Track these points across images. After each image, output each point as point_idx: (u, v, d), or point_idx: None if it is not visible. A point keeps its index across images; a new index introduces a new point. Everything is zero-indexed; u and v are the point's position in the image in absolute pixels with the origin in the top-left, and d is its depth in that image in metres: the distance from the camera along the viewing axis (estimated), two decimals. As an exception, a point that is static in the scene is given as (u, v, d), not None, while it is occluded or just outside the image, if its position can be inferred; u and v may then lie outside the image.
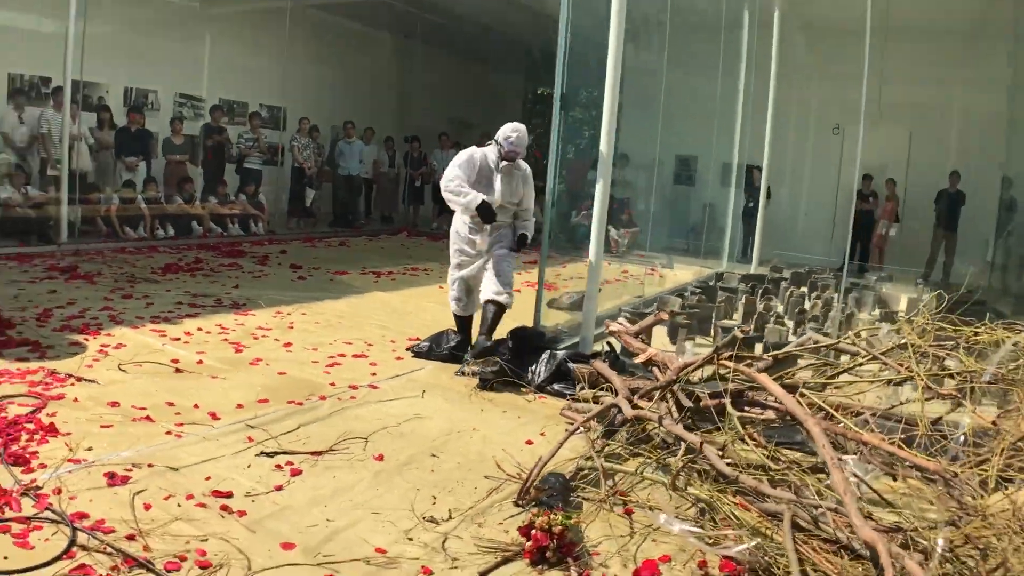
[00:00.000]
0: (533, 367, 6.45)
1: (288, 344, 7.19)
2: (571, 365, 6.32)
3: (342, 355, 6.96)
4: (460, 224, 7.13)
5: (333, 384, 6.13)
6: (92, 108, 13.09)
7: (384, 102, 18.65)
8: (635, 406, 4.89)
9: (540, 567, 3.59)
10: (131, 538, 3.52)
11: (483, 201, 6.81)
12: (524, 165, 7.14)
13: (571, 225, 14.86)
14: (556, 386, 6.30)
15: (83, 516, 3.66)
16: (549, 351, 6.57)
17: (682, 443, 4.38)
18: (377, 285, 10.57)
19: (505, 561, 3.61)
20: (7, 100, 11.98)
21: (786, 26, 13.92)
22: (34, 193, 11.56)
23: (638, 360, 5.71)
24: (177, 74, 14.96)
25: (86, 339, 6.73)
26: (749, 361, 4.74)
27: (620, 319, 6.80)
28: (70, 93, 11.39)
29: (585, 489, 4.37)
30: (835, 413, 4.08)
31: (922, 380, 4.04)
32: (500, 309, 6.92)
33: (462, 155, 7.01)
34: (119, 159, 13.00)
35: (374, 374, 6.48)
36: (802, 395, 4.26)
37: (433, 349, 7.19)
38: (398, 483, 4.40)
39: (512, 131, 6.92)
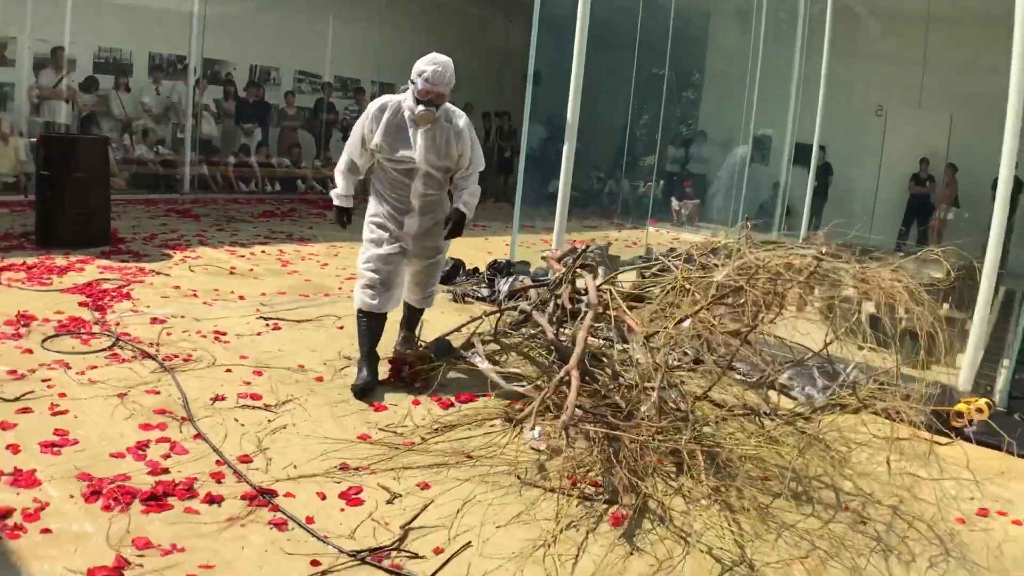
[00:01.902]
0: (499, 286, 8.74)
1: (325, 264, 9.86)
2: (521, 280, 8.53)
3: (359, 275, 9.57)
4: (382, 194, 5.89)
5: (340, 288, 8.73)
6: (220, 82, 16.08)
7: (484, 80, 21.16)
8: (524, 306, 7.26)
9: (395, 381, 6.02)
10: (150, 345, 6.20)
11: (339, 206, 6.08)
12: (458, 115, 5.79)
13: (637, 195, 17.21)
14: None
15: (126, 335, 6.36)
16: (514, 275, 8.93)
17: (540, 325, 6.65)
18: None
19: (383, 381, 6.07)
20: (148, 75, 15.02)
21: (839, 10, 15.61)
22: (164, 151, 14.59)
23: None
24: (298, 52, 17.86)
25: (174, 252, 9.55)
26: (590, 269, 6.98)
27: (552, 249, 8.95)
28: (196, 69, 14.45)
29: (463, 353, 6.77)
30: (621, 302, 6.30)
31: (680, 277, 6.04)
32: (420, 311, 6.47)
33: (370, 108, 5.73)
34: (239, 126, 15.96)
35: (374, 287, 9.05)
36: (606, 290, 6.50)
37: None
38: (342, 341, 6.90)
39: (428, 64, 5.47)
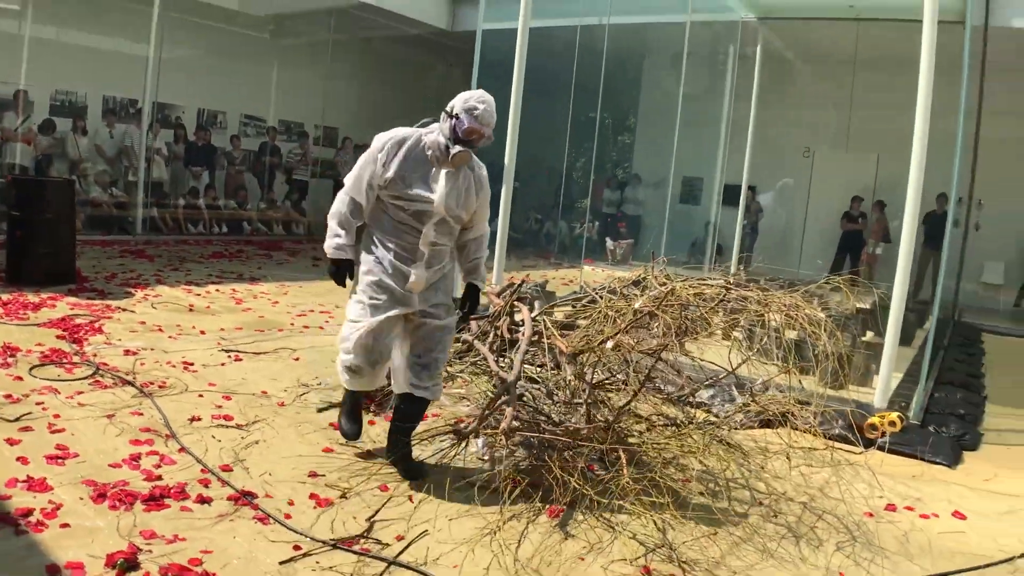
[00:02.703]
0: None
1: (276, 302, 10.53)
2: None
3: (311, 311, 10.25)
4: (383, 243, 5.13)
5: (292, 324, 9.42)
6: (170, 125, 16.74)
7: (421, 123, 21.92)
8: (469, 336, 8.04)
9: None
10: (128, 374, 6.86)
11: (337, 258, 5.25)
12: (479, 164, 5.29)
13: (574, 236, 18.07)
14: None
15: (104, 364, 7.02)
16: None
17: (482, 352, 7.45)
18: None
19: (334, 405, 6.72)
20: (101, 118, 15.64)
21: (767, 58, 16.64)
22: (117, 193, 15.20)
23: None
24: (244, 96, 18.59)
25: (135, 290, 10.18)
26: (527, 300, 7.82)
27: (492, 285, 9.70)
28: (150, 113, 15.13)
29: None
30: (553, 330, 7.09)
31: (604, 306, 6.85)
32: (425, 404, 5.41)
33: (381, 141, 5.08)
34: (187, 169, 16.61)
35: (327, 322, 9.74)
36: (540, 320, 7.29)
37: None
38: (299, 371, 7.61)
39: (478, 100, 4.98)
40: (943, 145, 10.80)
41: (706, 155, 17.56)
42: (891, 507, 5.85)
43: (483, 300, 8.16)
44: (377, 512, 4.76)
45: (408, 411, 5.31)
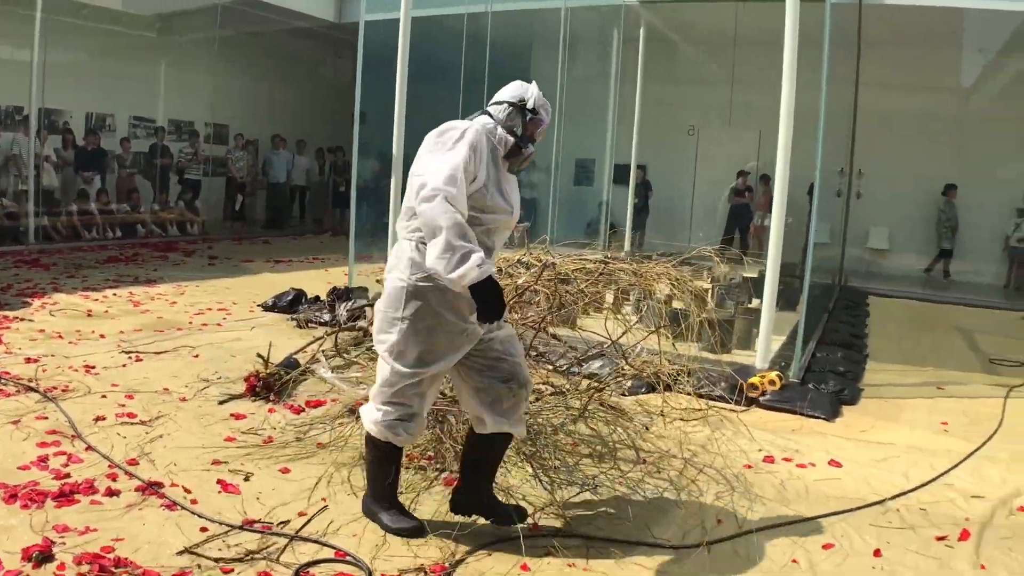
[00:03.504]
0: (340, 310, 9.78)
1: (174, 303, 10.74)
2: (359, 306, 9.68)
3: (209, 309, 10.47)
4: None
5: (190, 323, 9.65)
6: (58, 131, 16.73)
7: (317, 117, 22.17)
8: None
9: (254, 397, 7.01)
10: (30, 381, 7.06)
11: (490, 279, 3.85)
12: None
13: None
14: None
15: (6, 373, 7.21)
16: (352, 299, 9.99)
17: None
18: (273, 269, 14.21)
19: (234, 396, 7.04)
20: (-13, 127, 15.65)
21: (650, 40, 17.16)
22: (8, 203, 15.20)
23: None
24: (132, 98, 18.63)
25: (32, 300, 10.31)
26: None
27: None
28: (37, 119, 15.14)
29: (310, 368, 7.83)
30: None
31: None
32: (508, 441, 4.67)
33: (467, 132, 4.08)
34: (78, 174, 16.64)
35: (225, 319, 9.98)
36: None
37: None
38: (199, 367, 7.85)
39: (539, 92, 4.42)
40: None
41: (596, 137, 17.99)
42: (769, 459, 6.32)
43: (378, 288, 8.49)
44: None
45: (493, 454, 4.67)
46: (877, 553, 4.75)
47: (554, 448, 5.63)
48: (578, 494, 5.29)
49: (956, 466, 6.41)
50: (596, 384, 6.41)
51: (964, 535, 5.05)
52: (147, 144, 18.58)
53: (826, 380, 8.28)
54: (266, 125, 21.02)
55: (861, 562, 4.64)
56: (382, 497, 4.56)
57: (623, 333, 6.85)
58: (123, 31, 18.01)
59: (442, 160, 3.90)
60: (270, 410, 6.61)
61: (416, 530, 4.49)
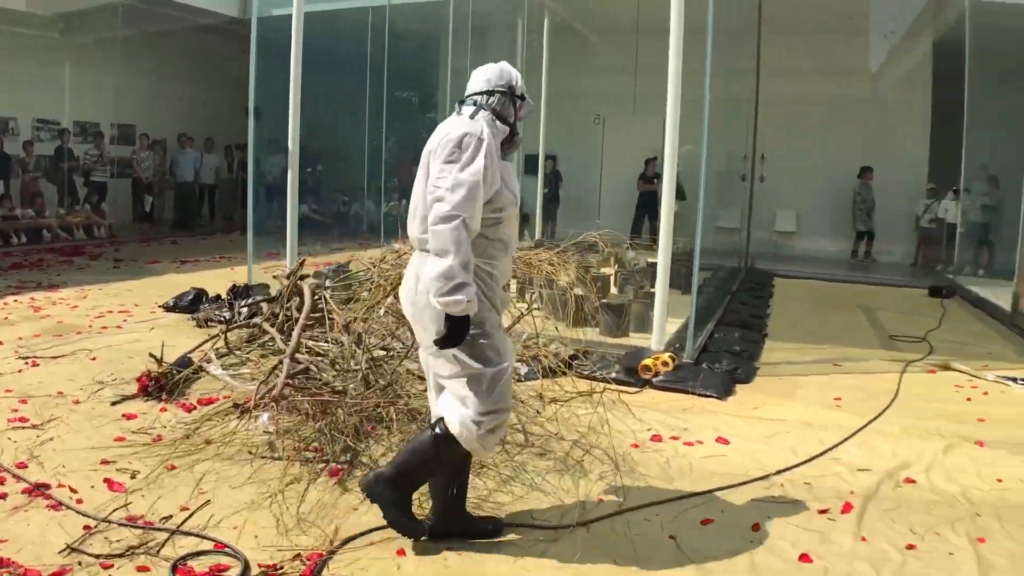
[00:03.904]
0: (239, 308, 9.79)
1: (75, 307, 10.66)
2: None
3: (111, 311, 10.42)
4: (491, 274, 4.24)
5: (90, 326, 9.60)
6: (-44, 136, 16.54)
7: (225, 113, 22.02)
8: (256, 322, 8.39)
9: (146, 397, 7.01)
10: (-81, 387, 7.02)
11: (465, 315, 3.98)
12: None
13: (383, 215, 18.44)
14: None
15: None
16: (252, 296, 9.98)
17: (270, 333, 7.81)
18: (178, 270, 14.14)
19: (127, 397, 7.02)
20: None
21: (554, 30, 17.28)
22: (-97, 211, 15.00)
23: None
24: (36, 100, 18.40)
25: (-72, 309, 10.22)
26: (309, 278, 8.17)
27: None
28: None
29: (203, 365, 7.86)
30: (332, 304, 7.52)
31: (379, 277, 7.42)
32: None
33: (482, 140, 4.04)
34: (-22, 180, 16.48)
35: (125, 320, 9.94)
36: (322, 297, 7.70)
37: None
38: (95, 369, 7.82)
39: (516, 72, 4.39)
40: (725, 105, 11.50)
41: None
42: (657, 438, 6.48)
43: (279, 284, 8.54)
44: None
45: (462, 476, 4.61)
46: (756, 527, 4.87)
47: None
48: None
49: (845, 440, 6.60)
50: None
51: (847, 508, 5.19)
52: (52, 147, 18.30)
53: (721, 360, 8.49)
54: (173, 124, 20.85)
55: (739, 536, 4.75)
56: (408, 490, 4.50)
57: (518, 319, 6.99)
58: (25, 32, 17.75)
59: (462, 177, 3.93)
60: (162, 409, 6.64)
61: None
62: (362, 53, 16.67)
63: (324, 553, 4.32)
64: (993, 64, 15.29)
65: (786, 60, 17.20)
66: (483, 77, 4.32)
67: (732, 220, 17.17)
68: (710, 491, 5.42)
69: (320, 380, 6.19)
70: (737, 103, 15.48)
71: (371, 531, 4.60)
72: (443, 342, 4.01)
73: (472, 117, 4.16)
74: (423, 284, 4.05)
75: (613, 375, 7.76)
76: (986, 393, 8.29)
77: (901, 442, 6.56)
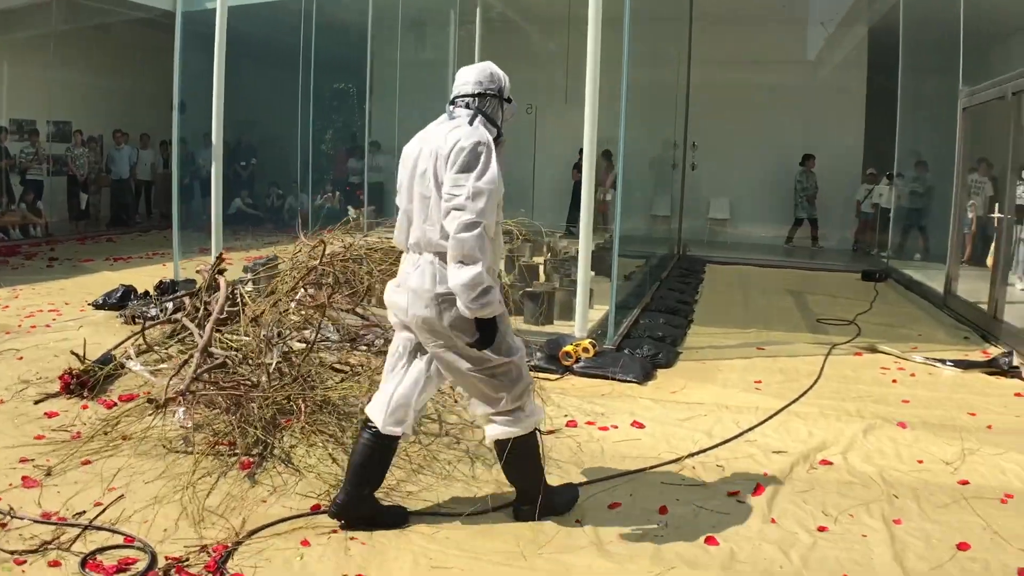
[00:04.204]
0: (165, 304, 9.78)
1: (6, 307, 10.61)
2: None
3: (40, 311, 10.37)
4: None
5: (20, 325, 9.57)
6: None
7: (161, 108, 21.85)
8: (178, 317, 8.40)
9: (69, 395, 7.00)
10: None
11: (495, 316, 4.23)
12: None
13: (316, 207, 18.46)
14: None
15: None
16: (179, 292, 9.97)
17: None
18: (111, 267, 14.10)
19: (50, 396, 6.99)
20: None
21: (487, 21, 17.34)
22: None
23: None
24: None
25: None
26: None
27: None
28: None
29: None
30: (246, 297, 7.55)
31: (290, 270, 7.46)
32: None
33: (491, 153, 4.19)
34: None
35: (54, 319, 9.91)
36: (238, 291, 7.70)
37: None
38: (21, 368, 7.77)
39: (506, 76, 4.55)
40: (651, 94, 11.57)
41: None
42: (572, 423, 6.58)
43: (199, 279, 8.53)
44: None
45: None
46: (663, 510, 4.94)
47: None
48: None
49: (762, 423, 6.72)
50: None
51: (758, 490, 5.26)
52: (-13, 146, 18.18)
53: (642, 345, 8.63)
54: (109, 120, 20.69)
55: (645, 520, 4.82)
56: (544, 484, 4.73)
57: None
58: (-41, 30, 17.60)
59: (481, 185, 4.05)
60: (83, 407, 6.65)
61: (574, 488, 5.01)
62: (293, 45, 16.68)
63: (230, 545, 4.38)
64: (925, 51, 15.52)
65: (720, 49, 17.42)
66: (473, 79, 4.43)
67: (664, 208, 17.33)
68: (620, 474, 5.50)
69: (236, 374, 6.23)
70: (666, 91, 15.63)
71: (276, 522, 4.67)
72: (479, 344, 4.23)
73: (471, 123, 4.25)
74: (448, 289, 4.18)
75: (534, 362, 7.84)
76: (913, 375, 8.37)
77: (819, 424, 6.66)
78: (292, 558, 4.31)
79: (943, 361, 8.75)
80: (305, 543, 4.46)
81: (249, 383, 5.99)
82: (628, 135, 8.60)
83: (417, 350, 4.52)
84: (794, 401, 7.27)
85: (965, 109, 12.36)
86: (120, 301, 10.35)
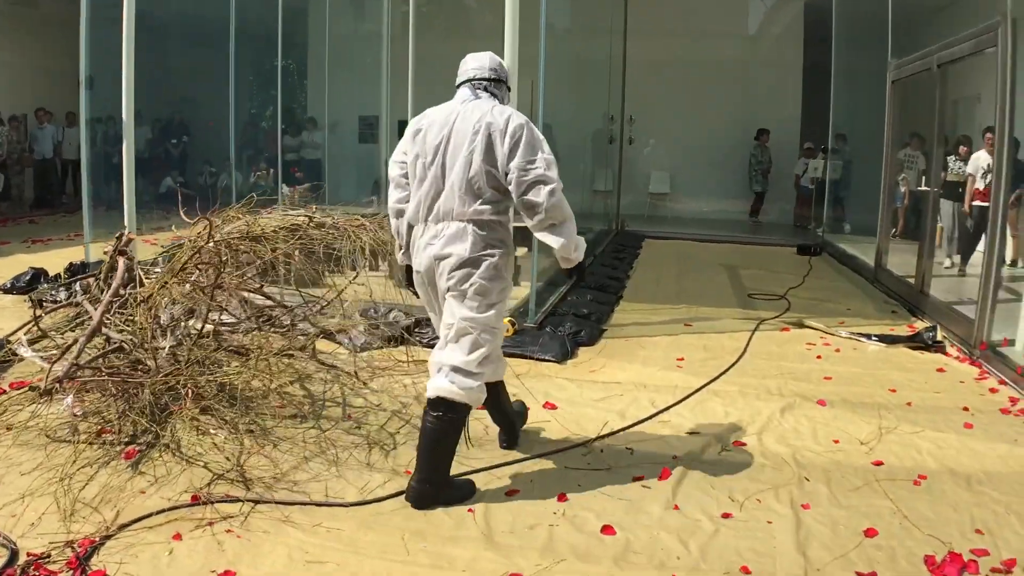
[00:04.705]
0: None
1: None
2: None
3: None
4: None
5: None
6: None
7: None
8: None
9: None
10: None
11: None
12: None
13: (251, 183, 18.13)
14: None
15: None
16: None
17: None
18: (28, 249, 13.68)
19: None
20: None
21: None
22: None
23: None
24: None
25: None
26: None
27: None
28: None
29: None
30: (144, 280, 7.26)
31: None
32: None
33: (532, 127, 4.62)
34: None
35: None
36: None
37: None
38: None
39: None
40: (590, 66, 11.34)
41: (374, 95, 17.91)
42: (481, 406, 6.33)
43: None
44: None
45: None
46: (562, 498, 4.76)
47: (257, 412, 5.59)
48: (269, 459, 5.25)
49: (679, 403, 6.54)
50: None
51: (664, 474, 5.09)
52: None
53: (564, 323, 8.44)
54: (33, 98, 20.16)
55: (542, 508, 4.64)
56: (447, 472, 4.78)
57: (342, 289, 6.87)
58: None
59: (548, 157, 4.49)
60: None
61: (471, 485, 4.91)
62: (223, 20, 16.34)
63: (98, 539, 4.15)
64: (857, 24, 15.47)
65: (657, 22, 17.28)
66: (488, 65, 4.81)
67: (604, 183, 17.19)
68: (521, 459, 5.32)
69: (131, 359, 5.97)
70: (599, 64, 15.45)
71: (148, 516, 4.44)
72: (580, 281, 5.16)
73: (503, 103, 4.74)
74: (480, 250, 4.58)
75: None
76: (838, 350, 8.28)
77: (737, 403, 6.55)
78: (161, 553, 4.09)
79: (868, 336, 8.68)
80: (177, 537, 4.24)
81: (144, 368, 5.73)
82: (558, 108, 8.38)
83: None
84: (714, 380, 7.13)
85: (894, 82, 12.29)
86: (29, 284, 10.05)
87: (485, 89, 4.72)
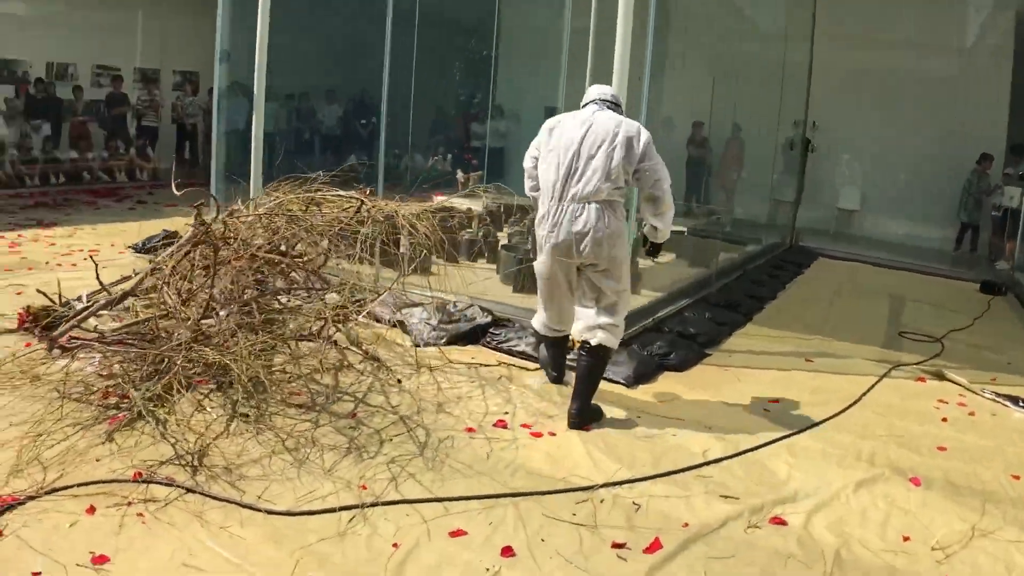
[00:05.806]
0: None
1: (52, 244, 10.73)
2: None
3: (80, 250, 10.41)
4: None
5: (47, 263, 9.59)
6: (14, 81, 16.75)
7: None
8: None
9: (22, 331, 6.86)
10: None
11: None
12: None
13: (428, 167, 18.30)
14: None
15: None
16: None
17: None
18: (189, 213, 14.02)
19: (9, 331, 6.90)
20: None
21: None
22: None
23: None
24: (95, 46, 18.57)
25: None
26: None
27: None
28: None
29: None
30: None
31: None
32: None
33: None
34: (28, 123, 16.68)
35: (85, 259, 9.73)
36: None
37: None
38: (15, 303, 7.58)
39: None
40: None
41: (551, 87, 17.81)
42: (501, 423, 5.77)
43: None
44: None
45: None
46: (507, 552, 4.06)
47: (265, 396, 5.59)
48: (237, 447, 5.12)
49: (733, 456, 5.52)
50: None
51: (654, 546, 4.19)
52: (105, 92, 18.49)
53: (657, 341, 7.63)
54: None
55: (476, 560, 4.00)
56: (592, 397, 6.02)
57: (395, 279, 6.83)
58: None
59: (662, 161, 5.80)
60: (27, 344, 6.49)
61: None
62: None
63: (21, 498, 4.14)
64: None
65: (852, 27, 16.40)
66: (609, 92, 6.11)
67: (789, 193, 16.45)
68: (498, 495, 4.68)
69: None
70: (788, 69, 14.74)
71: (78, 485, 4.37)
72: (653, 254, 6.35)
73: (620, 113, 6.02)
74: (614, 224, 5.83)
75: (522, 347, 7.33)
76: (972, 414, 6.80)
77: (810, 466, 5.42)
78: (63, 524, 4.00)
79: (1017, 401, 7.11)
80: (90, 511, 4.14)
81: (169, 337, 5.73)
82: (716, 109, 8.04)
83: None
84: (797, 433, 5.99)
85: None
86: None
87: (608, 107, 5.91)
